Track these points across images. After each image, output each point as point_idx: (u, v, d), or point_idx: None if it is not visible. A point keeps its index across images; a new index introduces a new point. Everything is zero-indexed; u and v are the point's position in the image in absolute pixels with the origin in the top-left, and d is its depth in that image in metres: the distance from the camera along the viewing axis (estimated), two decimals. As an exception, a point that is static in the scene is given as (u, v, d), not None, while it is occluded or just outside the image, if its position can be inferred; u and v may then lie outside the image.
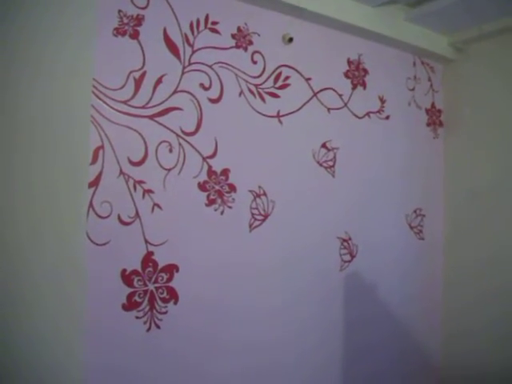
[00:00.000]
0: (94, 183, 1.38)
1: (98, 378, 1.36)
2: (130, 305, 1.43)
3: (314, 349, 1.84)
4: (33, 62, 1.19)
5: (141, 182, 1.45)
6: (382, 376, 2.05)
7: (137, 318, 1.44)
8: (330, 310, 1.89)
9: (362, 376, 1.98)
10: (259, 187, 1.69)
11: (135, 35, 1.48)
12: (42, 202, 1.19)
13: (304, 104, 1.82)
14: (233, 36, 1.66)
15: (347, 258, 1.93)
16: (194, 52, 1.57)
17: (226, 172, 1.61)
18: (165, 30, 1.53)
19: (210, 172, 1.58)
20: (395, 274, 2.09)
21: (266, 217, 1.70)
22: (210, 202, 1.58)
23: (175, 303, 1.50)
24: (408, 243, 2.16)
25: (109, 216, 1.40)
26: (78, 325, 1.25)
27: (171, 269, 1.50)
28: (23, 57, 1.18)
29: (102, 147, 1.40)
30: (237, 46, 1.67)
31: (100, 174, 1.39)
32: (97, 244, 1.38)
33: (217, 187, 1.59)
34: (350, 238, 1.93)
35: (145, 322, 1.45)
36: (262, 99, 1.71)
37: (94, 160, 1.39)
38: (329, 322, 1.88)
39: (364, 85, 2.01)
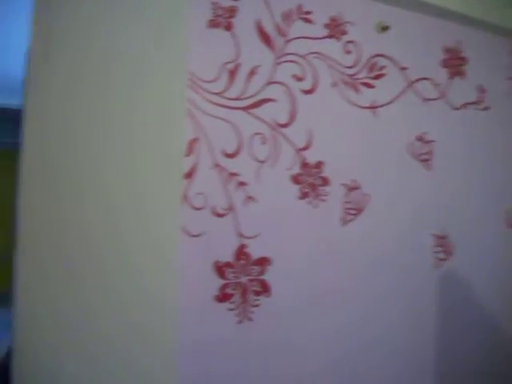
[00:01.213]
0: (189, 175, 1.39)
1: (189, 365, 1.38)
2: (222, 296, 1.43)
3: (404, 347, 1.77)
4: (126, 55, 1.21)
5: (234, 174, 1.45)
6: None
7: (229, 309, 1.44)
8: (419, 311, 1.80)
9: (455, 380, 1.89)
10: (353, 180, 1.64)
11: (229, 27, 1.47)
12: (137, 192, 1.22)
13: (399, 94, 1.74)
14: (326, 25, 1.62)
15: (442, 256, 1.83)
16: (286, 43, 1.55)
17: (319, 165, 1.58)
18: (258, 21, 1.51)
19: (304, 164, 1.55)
20: (495, 274, 1.97)
21: (359, 211, 1.65)
22: (303, 195, 1.55)
23: (267, 296, 1.49)
24: (510, 243, 2.02)
25: (203, 208, 1.41)
26: (172, 314, 1.26)
27: (264, 262, 1.48)
28: (116, 51, 1.21)
29: (196, 139, 1.41)
30: (330, 36, 1.62)
31: (195, 166, 1.40)
32: (191, 235, 1.39)
33: (310, 180, 1.56)
34: (445, 236, 1.84)
35: (237, 315, 1.45)
36: (356, 90, 1.66)
37: (189, 152, 1.40)
38: (419, 322, 1.80)
39: (462, 74, 1.90)
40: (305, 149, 1.56)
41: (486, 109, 1.97)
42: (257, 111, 1.49)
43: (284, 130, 1.52)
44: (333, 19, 1.63)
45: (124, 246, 1.21)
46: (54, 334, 1.14)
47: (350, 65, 1.65)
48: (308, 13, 1.59)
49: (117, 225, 1.20)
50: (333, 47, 1.63)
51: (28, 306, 1.12)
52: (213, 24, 1.45)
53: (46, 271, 1.14)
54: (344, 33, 1.65)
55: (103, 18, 1.20)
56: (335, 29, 1.63)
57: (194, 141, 1.40)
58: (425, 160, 1.79)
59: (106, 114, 1.20)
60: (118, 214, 1.21)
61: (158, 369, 1.24)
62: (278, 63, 1.53)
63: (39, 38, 1.14)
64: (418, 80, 1.79)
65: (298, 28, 1.57)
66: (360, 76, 1.67)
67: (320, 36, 1.61)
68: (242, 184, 1.46)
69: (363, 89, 1.67)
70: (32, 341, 1.12)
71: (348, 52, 1.65)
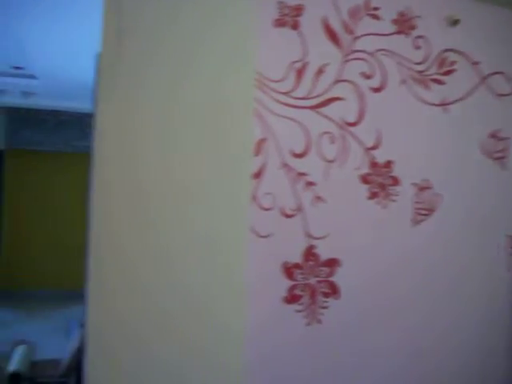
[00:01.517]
0: (258, 175, 1.39)
1: (257, 366, 1.38)
2: (291, 298, 1.42)
3: (477, 353, 1.70)
4: (193, 56, 1.22)
5: (303, 174, 1.43)
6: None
7: (297, 311, 1.43)
8: (492, 314, 1.73)
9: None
10: (424, 180, 1.59)
11: (296, 25, 1.46)
12: (206, 193, 1.23)
13: (471, 90, 1.68)
14: (394, 21, 1.57)
15: (517, 258, 1.75)
16: (354, 40, 1.52)
17: (389, 164, 1.54)
18: (324, 19, 1.49)
19: (373, 164, 1.52)
20: None
21: (431, 211, 1.60)
22: (372, 196, 1.52)
23: (336, 298, 1.47)
24: None
25: (272, 208, 1.40)
26: (241, 315, 1.26)
27: (333, 263, 1.46)
28: (183, 53, 1.22)
29: (264, 139, 1.40)
30: (398, 32, 1.58)
31: (263, 166, 1.40)
32: (260, 236, 1.39)
33: (379, 180, 1.52)
34: (520, 237, 1.76)
35: (305, 316, 1.44)
36: (426, 87, 1.60)
37: (258, 152, 1.39)
38: (492, 325, 1.73)
39: (538, 67, 1.81)
40: (374, 148, 1.52)
41: None
42: (325, 110, 1.47)
43: (352, 129, 1.50)
44: (401, 14, 1.58)
45: (192, 247, 1.22)
46: (123, 332, 1.16)
47: (419, 61, 1.60)
48: (376, 9, 1.55)
49: (185, 225, 1.22)
50: (401, 43, 1.58)
51: (100, 303, 1.15)
52: (279, 23, 1.45)
53: (117, 270, 1.16)
54: (413, 28, 1.60)
55: (171, 20, 1.22)
56: (404, 24, 1.59)
57: (262, 141, 1.40)
58: (499, 158, 1.72)
59: (175, 115, 1.22)
60: (187, 214, 1.22)
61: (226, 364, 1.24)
62: (346, 61, 1.50)
63: (110, 41, 1.17)
64: (490, 75, 1.72)
65: (365, 25, 1.53)
66: (430, 72, 1.61)
67: (388, 32, 1.57)
68: (310, 184, 1.44)
69: (433, 85, 1.62)
70: (103, 338, 1.15)
71: (417, 48, 1.60)
